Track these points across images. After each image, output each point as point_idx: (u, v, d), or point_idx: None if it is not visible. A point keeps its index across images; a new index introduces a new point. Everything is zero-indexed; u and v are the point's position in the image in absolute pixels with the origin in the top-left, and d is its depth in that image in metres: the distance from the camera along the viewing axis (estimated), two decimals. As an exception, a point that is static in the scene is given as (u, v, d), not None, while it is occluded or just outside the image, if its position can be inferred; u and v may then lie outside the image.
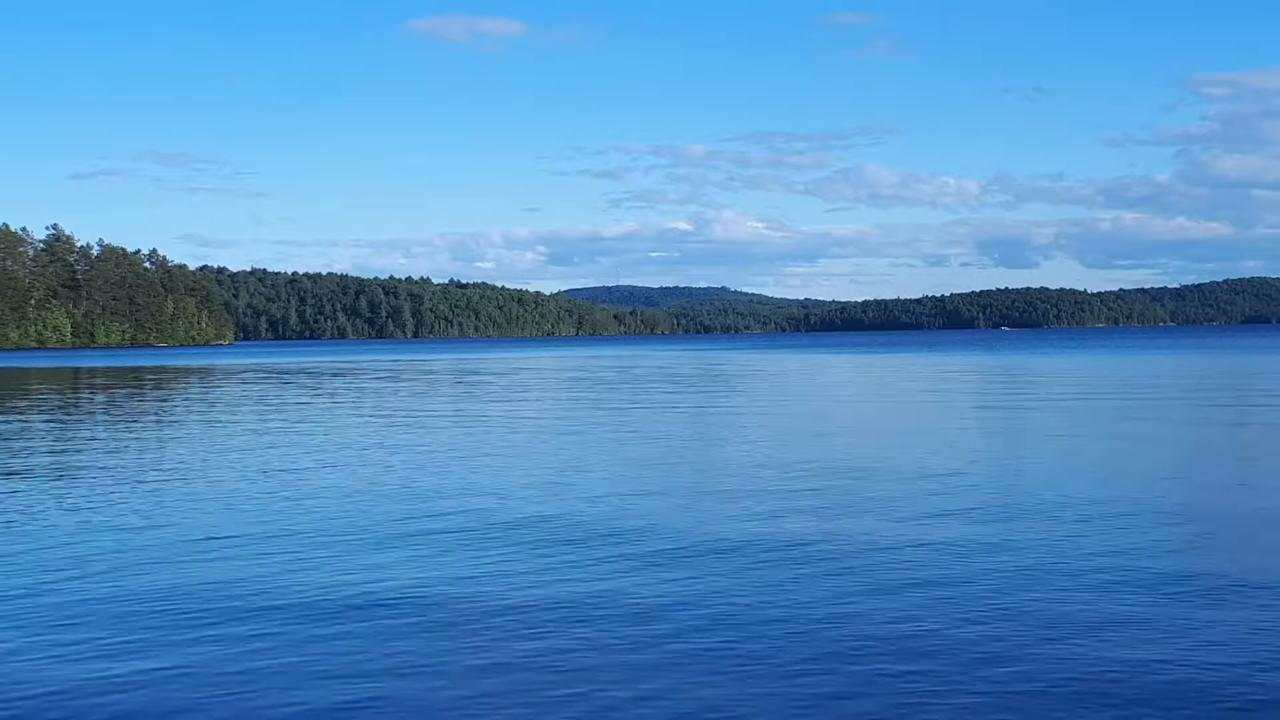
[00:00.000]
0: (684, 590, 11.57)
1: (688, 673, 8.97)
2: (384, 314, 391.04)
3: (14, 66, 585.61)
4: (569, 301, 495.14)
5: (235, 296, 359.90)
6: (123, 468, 22.81)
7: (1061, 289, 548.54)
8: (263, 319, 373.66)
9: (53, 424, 35.16)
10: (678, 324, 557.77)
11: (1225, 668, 8.96)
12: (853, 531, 14.70)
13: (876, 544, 13.83)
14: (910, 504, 16.75)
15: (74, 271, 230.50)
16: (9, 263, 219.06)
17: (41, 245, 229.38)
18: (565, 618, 10.56)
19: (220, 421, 35.03)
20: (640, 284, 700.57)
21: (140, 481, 20.58)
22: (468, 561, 13.08)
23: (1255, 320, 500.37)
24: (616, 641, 9.82)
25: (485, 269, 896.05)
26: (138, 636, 10.18)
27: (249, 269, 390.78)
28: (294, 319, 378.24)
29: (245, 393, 53.15)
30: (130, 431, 31.63)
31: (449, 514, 16.43)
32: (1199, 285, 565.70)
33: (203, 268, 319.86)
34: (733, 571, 12.43)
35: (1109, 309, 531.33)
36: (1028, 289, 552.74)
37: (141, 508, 17.47)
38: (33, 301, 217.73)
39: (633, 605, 11.01)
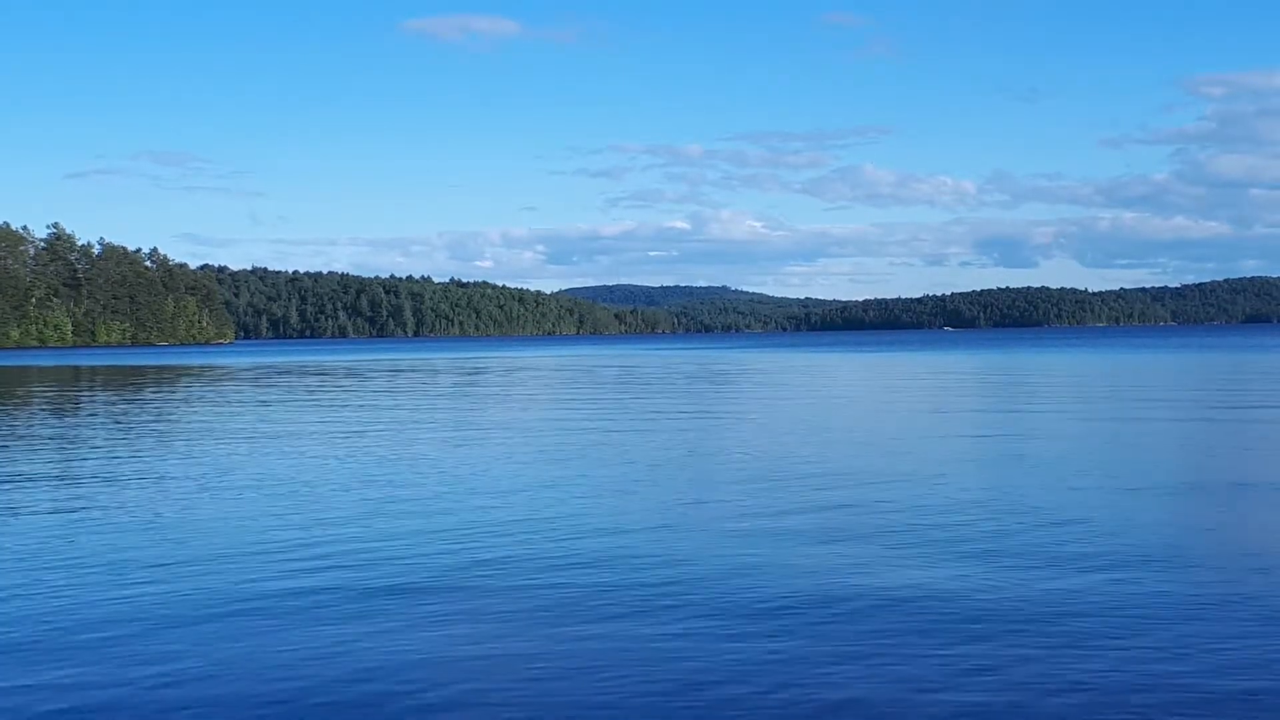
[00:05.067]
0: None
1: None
2: (385, 313, 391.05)
3: (8, 66, 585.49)
4: (570, 300, 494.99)
5: (236, 295, 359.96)
6: (123, 471, 22.73)
7: (1062, 288, 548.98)
8: (263, 318, 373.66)
9: (72, 426, 35.05)
10: (679, 323, 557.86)
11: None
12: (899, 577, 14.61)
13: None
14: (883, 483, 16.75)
15: (75, 270, 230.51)
16: (10, 261, 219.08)
17: (42, 244, 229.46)
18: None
19: (232, 423, 34.94)
20: (640, 283, 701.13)
21: (136, 486, 20.50)
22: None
23: (1256, 319, 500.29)
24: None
25: (484, 268, 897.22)
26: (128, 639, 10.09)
27: (249, 268, 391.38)
28: (295, 318, 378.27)
29: (262, 394, 53.05)
30: (132, 434, 31.54)
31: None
32: (1199, 285, 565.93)
33: (204, 267, 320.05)
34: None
35: (1110, 309, 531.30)
36: (1028, 288, 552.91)
37: (139, 512, 17.40)
38: (34, 300, 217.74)
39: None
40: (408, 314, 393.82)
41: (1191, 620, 10.27)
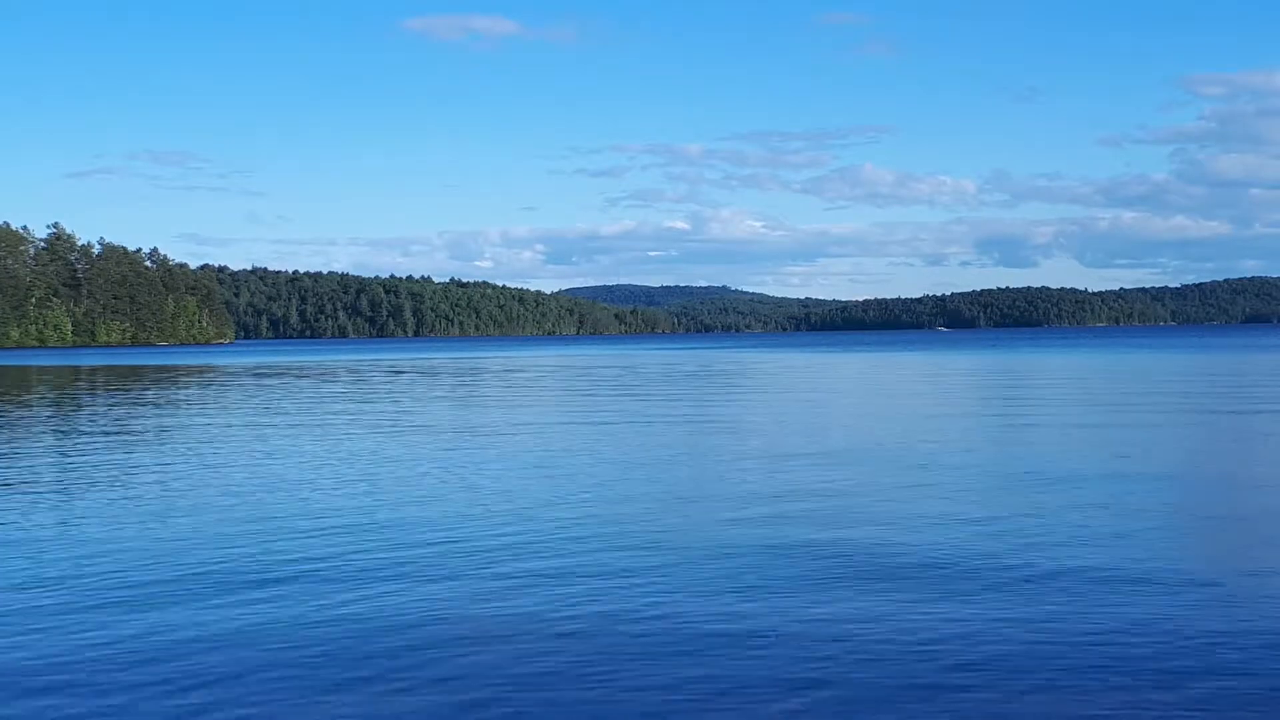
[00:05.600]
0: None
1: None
2: (385, 313, 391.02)
3: (8, 66, 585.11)
4: (570, 300, 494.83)
5: (236, 295, 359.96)
6: (127, 470, 22.81)
7: (1062, 288, 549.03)
8: (264, 318, 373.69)
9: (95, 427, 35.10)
10: (679, 323, 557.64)
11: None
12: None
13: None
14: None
15: (75, 270, 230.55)
16: (10, 261, 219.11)
17: (42, 244, 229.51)
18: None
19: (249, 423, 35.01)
20: (640, 283, 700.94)
21: (140, 484, 20.59)
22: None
23: (1256, 319, 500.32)
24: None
25: (484, 268, 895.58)
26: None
27: (249, 268, 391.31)
28: (295, 318, 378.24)
29: (275, 394, 53.10)
30: (136, 434, 31.62)
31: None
32: (1199, 284, 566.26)
33: (203, 267, 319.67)
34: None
35: (1110, 308, 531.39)
36: (1028, 288, 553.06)
37: (141, 511, 17.48)
38: (33, 300, 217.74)
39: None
40: (408, 314, 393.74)
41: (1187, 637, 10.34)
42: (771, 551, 13.33)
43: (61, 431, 31.63)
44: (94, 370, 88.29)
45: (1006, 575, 11.89)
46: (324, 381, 62.84)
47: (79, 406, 43.08)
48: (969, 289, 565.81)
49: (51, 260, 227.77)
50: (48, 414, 39.36)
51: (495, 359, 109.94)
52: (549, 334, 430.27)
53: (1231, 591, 11.15)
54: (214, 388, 57.01)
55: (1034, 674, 8.74)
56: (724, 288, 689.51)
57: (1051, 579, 11.69)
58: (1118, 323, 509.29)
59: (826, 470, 20.74)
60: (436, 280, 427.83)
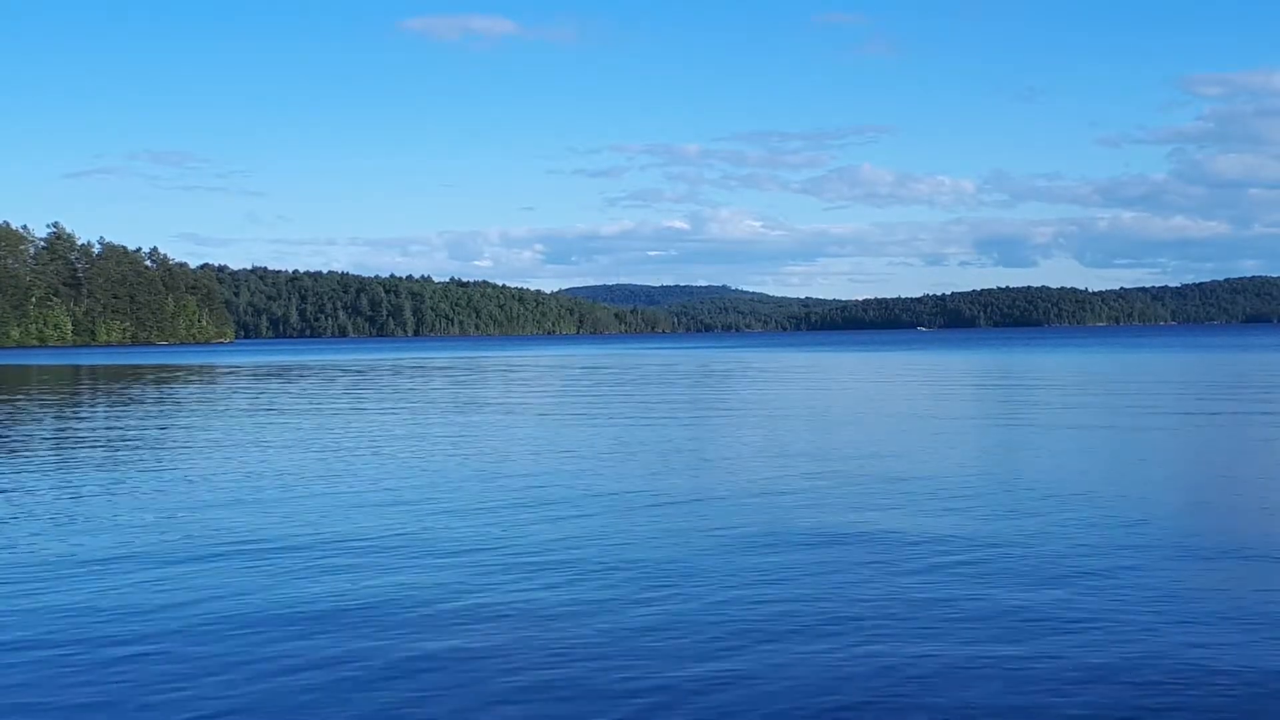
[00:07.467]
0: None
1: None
2: (385, 312, 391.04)
3: (8, 66, 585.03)
4: (570, 300, 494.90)
5: (236, 295, 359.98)
6: (137, 471, 22.77)
7: (1062, 288, 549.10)
8: (263, 317, 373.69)
9: (104, 425, 35.08)
10: (679, 323, 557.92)
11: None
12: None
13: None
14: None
15: (75, 270, 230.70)
16: (10, 261, 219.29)
17: (42, 243, 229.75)
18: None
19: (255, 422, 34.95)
20: (640, 283, 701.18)
21: (153, 483, 20.55)
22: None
23: (1256, 319, 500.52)
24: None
25: (483, 267, 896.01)
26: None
27: (249, 267, 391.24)
28: (294, 317, 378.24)
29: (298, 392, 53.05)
30: (144, 433, 31.59)
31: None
32: (1199, 284, 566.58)
33: (203, 266, 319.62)
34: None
35: (1110, 308, 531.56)
36: (1028, 288, 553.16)
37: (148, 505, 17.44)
38: (34, 299, 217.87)
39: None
40: (408, 313, 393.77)
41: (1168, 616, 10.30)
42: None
43: (67, 431, 31.60)
44: (96, 370, 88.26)
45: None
46: (332, 381, 62.83)
47: (82, 406, 43.06)
48: (969, 289, 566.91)
49: (51, 260, 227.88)
50: (58, 416, 39.33)
51: (500, 358, 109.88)
52: (549, 333, 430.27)
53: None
54: (217, 388, 56.95)
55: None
56: (724, 287, 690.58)
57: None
58: (1118, 322, 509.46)
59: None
60: (436, 280, 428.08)
